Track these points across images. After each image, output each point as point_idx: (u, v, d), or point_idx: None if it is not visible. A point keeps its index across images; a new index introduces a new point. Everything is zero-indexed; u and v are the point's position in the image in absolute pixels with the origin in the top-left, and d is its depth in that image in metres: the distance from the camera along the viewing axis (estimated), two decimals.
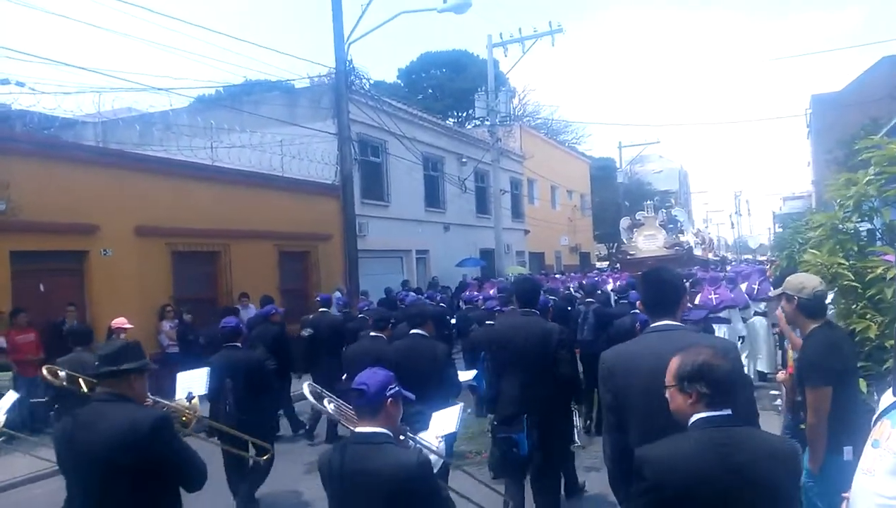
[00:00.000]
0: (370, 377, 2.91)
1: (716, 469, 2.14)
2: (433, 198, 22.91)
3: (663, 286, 3.10)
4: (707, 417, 2.24)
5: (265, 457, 5.58)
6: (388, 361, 4.98)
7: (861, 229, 4.80)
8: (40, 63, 15.06)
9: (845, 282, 4.48)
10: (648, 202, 29.67)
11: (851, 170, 5.42)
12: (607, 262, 29.21)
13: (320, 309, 9.83)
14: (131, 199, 11.74)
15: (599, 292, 10.19)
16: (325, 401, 3.34)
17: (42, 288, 10.43)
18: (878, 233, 4.80)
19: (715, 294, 10.44)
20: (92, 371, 3.53)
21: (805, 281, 3.84)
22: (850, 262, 4.52)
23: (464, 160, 24.32)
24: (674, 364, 2.38)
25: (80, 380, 4.35)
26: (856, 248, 4.63)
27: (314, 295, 14.72)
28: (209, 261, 13.70)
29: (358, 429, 2.90)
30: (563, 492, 5.52)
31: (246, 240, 14.10)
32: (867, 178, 4.40)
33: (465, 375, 6.51)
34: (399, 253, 20.76)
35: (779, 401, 8.48)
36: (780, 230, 26.00)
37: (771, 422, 7.76)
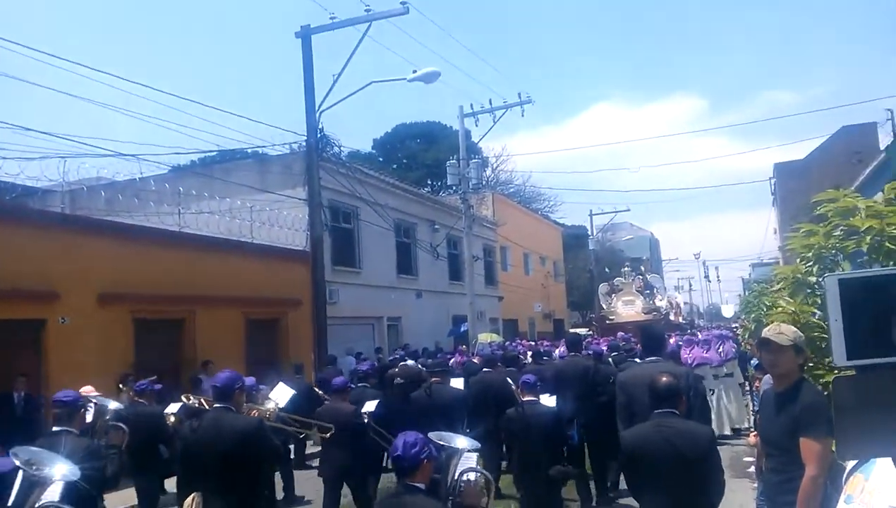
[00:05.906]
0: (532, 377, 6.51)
1: (655, 439, 3.96)
2: (405, 264, 22.84)
3: (654, 336, 5.69)
4: (655, 412, 4.09)
5: None
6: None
7: (823, 283, 4.75)
8: (3, 128, 13.96)
9: (815, 334, 4.41)
10: (626, 268, 29.66)
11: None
12: (585, 328, 29.07)
13: (401, 364, 12.03)
14: (94, 266, 11.51)
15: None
16: None
17: None
18: None
19: (690, 354, 11.91)
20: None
21: (795, 330, 3.79)
22: (819, 315, 4.45)
23: (436, 227, 24.40)
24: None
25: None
26: (819, 301, 4.58)
27: (288, 362, 14.37)
28: (174, 329, 13.37)
29: (526, 399, 6.15)
30: None
31: (213, 306, 13.81)
32: (825, 231, 4.39)
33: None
34: (371, 319, 20.50)
35: (752, 469, 8.36)
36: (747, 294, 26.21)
37: (744, 490, 7.63)
